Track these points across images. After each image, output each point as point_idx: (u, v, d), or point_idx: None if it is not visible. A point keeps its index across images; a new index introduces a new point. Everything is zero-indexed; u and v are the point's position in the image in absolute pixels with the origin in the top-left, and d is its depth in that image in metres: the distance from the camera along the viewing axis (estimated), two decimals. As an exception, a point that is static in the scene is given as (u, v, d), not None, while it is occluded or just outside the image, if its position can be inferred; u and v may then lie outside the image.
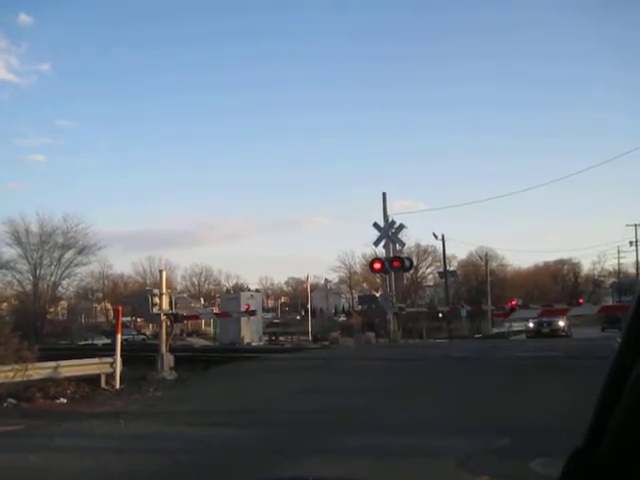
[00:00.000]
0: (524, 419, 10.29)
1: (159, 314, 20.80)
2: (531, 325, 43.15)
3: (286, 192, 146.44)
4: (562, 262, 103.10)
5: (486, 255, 76.15)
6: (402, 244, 33.69)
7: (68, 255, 61.83)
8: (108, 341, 43.18)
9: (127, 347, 23.58)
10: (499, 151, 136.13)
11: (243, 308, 39.63)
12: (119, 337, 18.95)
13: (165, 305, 20.84)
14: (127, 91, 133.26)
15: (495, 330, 57.88)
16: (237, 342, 41.83)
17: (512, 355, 22.10)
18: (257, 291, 77.76)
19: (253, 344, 42.57)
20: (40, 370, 16.71)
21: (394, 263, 30.25)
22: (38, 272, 60.59)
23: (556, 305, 46.51)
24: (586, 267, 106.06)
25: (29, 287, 61.18)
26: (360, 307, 73.55)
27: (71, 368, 17.78)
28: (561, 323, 41.46)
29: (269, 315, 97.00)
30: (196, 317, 47.21)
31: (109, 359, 18.36)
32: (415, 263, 64.23)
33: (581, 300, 70.56)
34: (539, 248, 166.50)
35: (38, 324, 55.23)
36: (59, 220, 61.70)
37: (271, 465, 8.17)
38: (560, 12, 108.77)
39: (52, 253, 61.13)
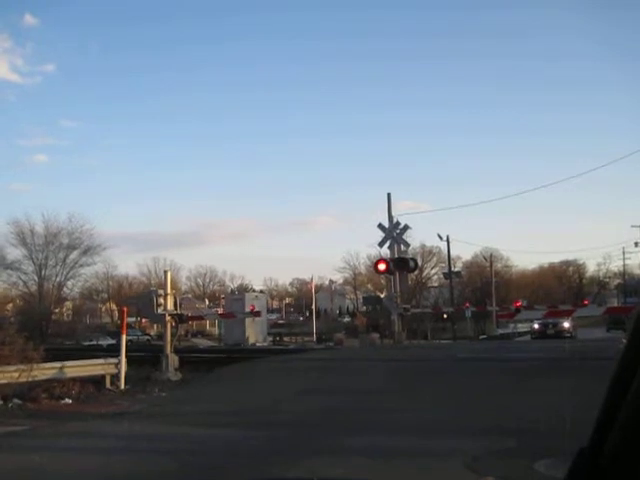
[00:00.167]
0: (529, 420, 10.26)
1: (164, 315, 20.82)
2: (536, 326, 43.07)
3: (291, 193, 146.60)
4: (567, 263, 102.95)
5: (491, 256, 76.12)
6: (407, 245, 33.61)
7: (73, 256, 61.93)
8: (113, 342, 43.24)
9: (132, 348, 23.64)
10: (504, 151, 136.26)
11: (248, 309, 39.62)
12: (124, 338, 18.96)
13: (170, 306, 20.85)
14: (132, 91, 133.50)
15: (500, 331, 57.80)
16: (242, 343, 41.91)
17: (517, 356, 22.05)
18: (262, 292, 78.03)
19: (258, 345, 42.64)
20: (45, 370, 16.73)
21: (399, 264, 30.22)
22: (43, 273, 60.69)
23: (561, 306, 46.44)
24: (591, 268, 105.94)
25: (34, 288, 61.26)
26: (365, 308, 73.64)
27: (76, 369, 17.81)
28: (566, 324, 41.37)
29: (274, 316, 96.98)
30: (201, 318, 47.30)
31: (114, 360, 18.38)
32: (420, 264, 64.27)
33: (586, 301, 70.40)
34: (544, 249, 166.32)
35: (43, 325, 55.27)
36: (64, 221, 61.80)
37: (275, 466, 8.17)
38: (561, 12, 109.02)
39: (57, 254, 61.24)
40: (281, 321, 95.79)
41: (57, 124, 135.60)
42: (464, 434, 9.61)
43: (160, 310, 20.78)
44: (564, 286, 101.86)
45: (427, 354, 25.34)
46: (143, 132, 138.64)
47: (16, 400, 15.33)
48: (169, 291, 21.19)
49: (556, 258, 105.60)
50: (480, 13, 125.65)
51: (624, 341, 1.38)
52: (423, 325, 54.97)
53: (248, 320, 41.60)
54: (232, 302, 50.94)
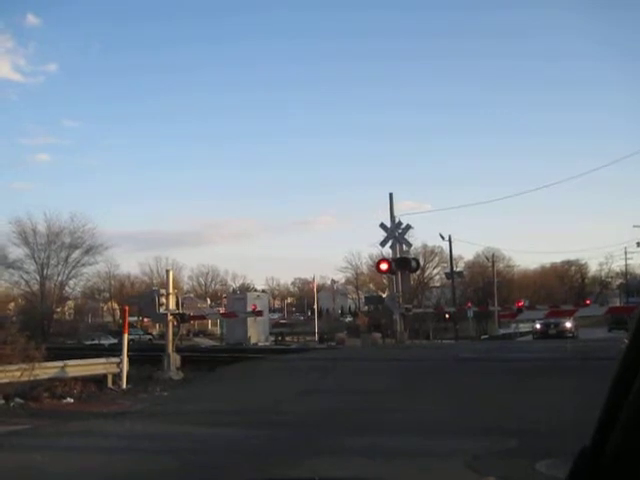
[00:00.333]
0: (530, 420, 10.26)
1: (166, 314, 20.84)
2: (538, 326, 43.04)
3: (291, 193, 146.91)
4: (569, 263, 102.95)
5: (493, 256, 76.06)
6: (409, 245, 33.61)
7: (75, 255, 62.09)
8: (115, 341, 43.28)
9: (134, 347, 23.63)
10: (504, 151, 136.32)
11: (250, 308, 39.67)
12: (126, 337, 18.96)
13: (172, 305, 20.88)
14: (132, 91, 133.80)
15: (502, 331, 57.78)
16: (243, 342, 41.90)
17: (519, 356, 22.06)
18: (263, 291, 78.03)
19: (259, 344, 42.63)
20: (47, 370, 16.74)
21: (401, 264, 30.21)
22: (45, 272, 60.80)
23: (563, 306, 46.46)
24: (593, 268, 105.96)
25: (36, 287, 61.37)
26: (367, 308, 73.65)
27: (78, 368, 17.82)
28: (568, 324, 41.36)
29: (275, 315, 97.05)
30: (203, 317, 47.35)
31: (116, 359, 18.39)
32: (422, 264, 64.27)
33: (588, 301, 70.39)
34: (546, 249, 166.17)
35: (45, 324, 55.38)
36: (66, 220, 61.99)
37: (276, 465, 8.17)
38: (561, 12, 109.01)
39: (59, 253, 61.37)
40: (283, 321, 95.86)
41: (59, 123, 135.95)
42: (465, 434, 9.60)
43: (162, 309, 20.81)
44: (566, 286, 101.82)
45: (429, 354, 25.33)
46: (143, 132, 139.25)
47: (18, 399, 15.33)
48: (171, 290, 21.22)
49: (558, 258, 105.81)
50: (480, 13, 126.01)
51: (626, 341, 1.38)
52: (425, 325, 54.92)
53: (250, 320, 41.61)
54: (234, 301, 50.96)
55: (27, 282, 61.99)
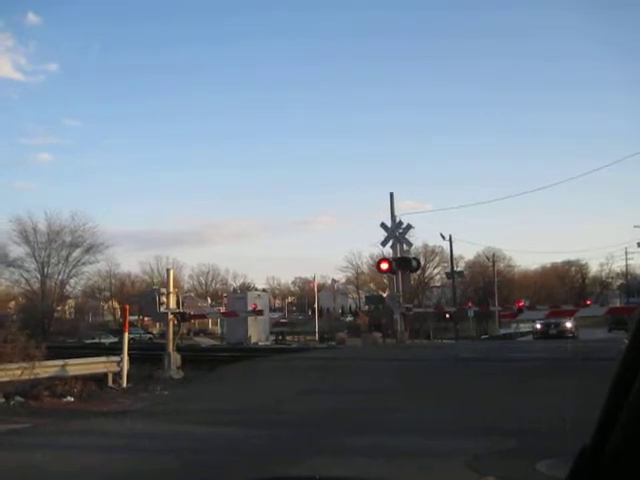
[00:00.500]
0: (531, 420, 10.25)
1: (166, 313, 20.86)
2: (538, 326, 43.02)
3: (291, 192, 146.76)
4: (570, 263, 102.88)
5: (493, 256, 76.04)
6: (409, 244, 33.63)
7: (76, 254, 62.08)
8: (115, 340, 43.30)
9: (134, 346, 23.65)
10: (504, 151, 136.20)
11: (250, 308, 39.63)
12: (126, 336, 18.99)
13: (172, 304, 20.90)
14: (132, 91, 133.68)
15: (502, 331, 57.77)
16: (244, 341, 41.91)
17: (519, 356, 22.05)
18: (264, 291, 77.92)
19: (260, 344, 42.64)
20: (47, 368, 16.76)
21: (401, 263, 30.22)
22: (46, 270, 60.80)
23: (563, 306, 46.45)
24: (594, 268, 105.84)
25: (37, 285, 61.39)
26: (367, 307, 73.70)
27: (78, 366, 17.83)
28: (568, 324, 41.34)
29: (276, 315, 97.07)
30: (203, 316, 47.31)
31: (116, 358, 18.41)
32: (422, 263, 64.20)
33: (588, 301, 70.33)
34: (547, 249, 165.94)
35: (45, 322, 55.39)
36: (67, 219, 61.99)
37: (277, 465, 8.17)
38: (561, 12, 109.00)
39: (60, 252, 61.37)
40: (283, 320, 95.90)
41: (59, 123, 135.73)
42: (466, 434, 9.60)
43: (162, 308, 20.83)
44: (566, 286, 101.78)
45: (429, 354, 25.34)
46: (143, 132, 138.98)
47: (18, 398, 15.35)
48: (171, 289, 21.25)
49: (558, 258, 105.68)
50: (480, 13, 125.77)
51: (626, 341, 1.38)
52: (425, 325, 54.93)
53: (250, 319, 41.61)
54: (234, 301, 50.96)
55: (28, 281, 62.05)
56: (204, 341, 57.06)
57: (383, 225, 32.04)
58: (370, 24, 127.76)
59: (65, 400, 15.85)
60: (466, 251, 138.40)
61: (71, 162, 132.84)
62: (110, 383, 17.98)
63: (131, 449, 9.87)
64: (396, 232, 31.32)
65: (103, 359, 18.86)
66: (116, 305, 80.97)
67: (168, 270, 23.54)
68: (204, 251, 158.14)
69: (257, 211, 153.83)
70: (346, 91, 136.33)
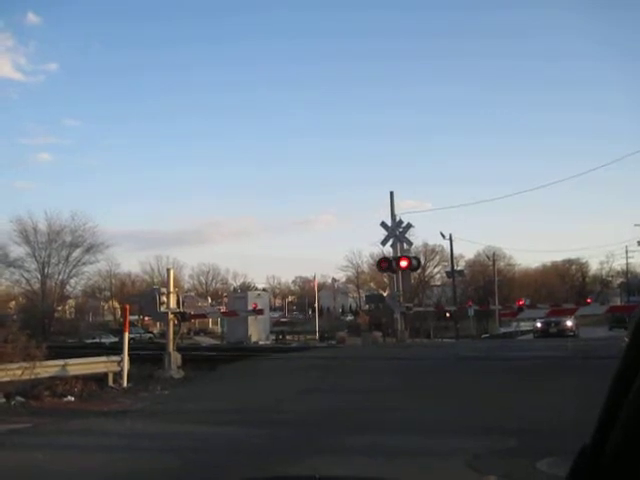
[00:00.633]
0: (531, 419, 10.26)
1: (166, 313, 20.85)
2: (539, 325, 43.05)
3: (292, 192, 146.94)
4: (570, 262, 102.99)
5: (494, 255, 76.13)
6: (410, 243, 33.64)
7: (76, 254, 62.08)
8: (115, 339, 43.29)
9: (134, 346, 23.63)
10: (504, 151, 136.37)
11: (250, 307, 39.65)
12: (126, 336, 18.97)
13: (172, 304, 20.88)
14: (132, 91, 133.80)
15: (503, 330, 57.83)
16: (244, 341, 41.90)
17: (520, 355, 22.06)
18: (264, 290, 77.91)
19: (260, 343, 42.65)
20: (48, 368, 16.76)
21: (401, 262, 30.21)
22: (46, 270, 60.80)
23: (564, 305, 46.45)
24: (594, 267, 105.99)
25: (37, 285, 61.38)
26: (367, 306, 73.69)
27: (79, 366, 17.82)
28: (569, 323, 41.33)
29: (276, 314, 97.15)
30: (203, 316, 47.29)
31: (117, 357, 18.39)
32: (422, 262, 64.18)
33: (589, 300, 70.38)
34: (547, 248, 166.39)
35: (46, 322, 55.41)
36: (67, 219, 61.99)
37: (277, 464, 8.17)
38: (561, 12, 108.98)
39: (60, 251, 61.36)
40: (284, 319, 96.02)
41: (59, 123, 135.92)
42: (466, 433, 9.60)
43: (163, 308, 20.81)
44: (567, 285, 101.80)
45: (429, 353, 25.33)
46: (143, 131, 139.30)
47: (19, 398, 15.34)
48: (172, 289, 21.23)
49: (559, 257, 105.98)
50: (480, 13, 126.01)
51: (626, 340, 1.38)
52: (426, 324, 54.93)
53: (251, 318, 41.62)
54: (235, 300, 50.97)
55: (28, 281, 62.04)
56: (204, 340, 57.07)
57: (383, 224, 32.05)
58: (370, 24, 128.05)
59: (66, 400, 15.84)
60: (466, 250, 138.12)
61: (71, 162, 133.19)
62: (110, 383, 17.97)
63: (131, 449, 9.87)
64: (396, 231, 31.32)
65: (103, 359, 18.84)
66: (116, 305, 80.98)
67: (168, 270, 23.54)
68: (204, 251, 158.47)
69: (257, 210, 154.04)
70: (346, 91, 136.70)
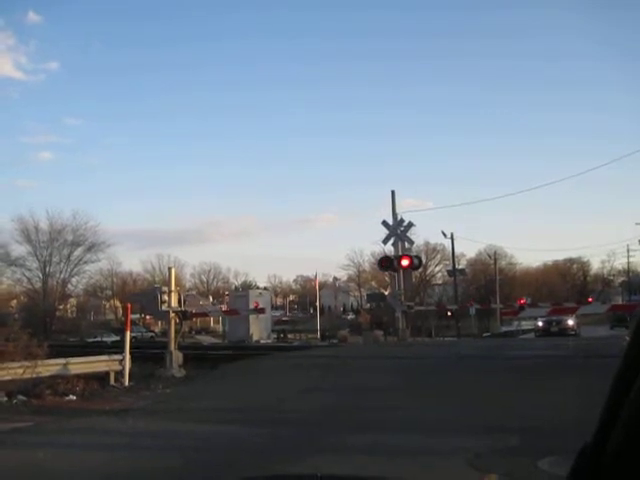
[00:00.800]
0: (532, 418, 10.26)
1: (168, 311, 20.87)
2: (540, 324, 42.99)
3: (292, 191, 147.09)
4: (571, 261, 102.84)
5: (495, 254, 76.07)
6: (411, 242, 33.59)
7: (77, 252, 62.21)
8: (117, 338, 43.25)
9: (136, 344, 23.66)
10: (504, 151, 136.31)
11: (252, 306, 39.60)
12: (128, 334, 18.99)
13: (174, 302, 20.90)
14: (132, 90, 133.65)
15: (504, 329, 57.80)
16: (246, 340, 41.89)
17: (521, 354, 22.03)
18: (266, 289, 78.06)
19: (262, 342, 42.62)
20: (49, 367, 16.78)
21: (403, 261, 30.20)
22: (47, 269, 60.90)
23: (565, 304, 46.41)
24: (595, 266, 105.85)
25: (38, 284, 61.46)
26: (369, 305, 73.64)
27: (80, 365, 17.84)
28: (570, 322, 41.29)
29: (278, 313, 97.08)
30: (205, 315, 47.31)
31: (118, 356, 18.40)
32: (424, 261, 64.32)
33: (590, 299, 70.31)
34: (548, 247, 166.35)
35: (47, 321, 55.50)
36: (68, 217, 62.07)
37: (279, 463, 8.18)
38: (561, 12, 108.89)
39: (61, 250, 61.48)
40: (285, 318, 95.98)
41: (60, 122, 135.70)
42: (467, 432, 9.60)
43: (164, 307, 20.83)
44: (568, 284, 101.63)
45: (431, 352, 25.32)
46: (144, 130, 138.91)
47: (20, 396, 15.36)
48: (173, 288, 21.25)
49: (560, 256, 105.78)
50: (480, 13, 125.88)
51: (627, 339, 1.38)
52: (427, 322, 55.00)
53: (252, 317, 41.59)
54: (236, 299, 50.95)
55: (29, 280, 62.16)
56: (206, 339, 57.13)
57: (384, 223, 32.01)
58: (370, 24, 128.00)
59: (67, 399, 15.86)
60: (468, 249, 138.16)
61: (72, 161, 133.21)
62: (112, 382, 17.98)
63: (133, 447, 9.88)
64: (397, 230, 31.29)
65: (105, 358, 18.86)
66: (118, 304, 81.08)
67: (170, 268, 23.57)
68: (205, 249, 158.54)
69: (258, 210, 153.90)
70: (346, 91, 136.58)
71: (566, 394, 12.08)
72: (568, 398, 11.58)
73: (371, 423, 10.97)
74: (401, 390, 14.50)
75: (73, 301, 73.77)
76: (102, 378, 18.09)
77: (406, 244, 31.88)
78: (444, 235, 61.19)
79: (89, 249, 62.31)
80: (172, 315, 20.95)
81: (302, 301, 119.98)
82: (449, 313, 57.50)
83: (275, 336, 52.11)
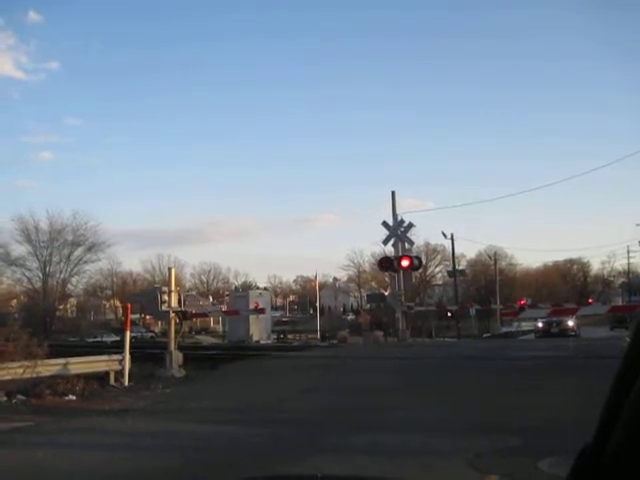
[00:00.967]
0: (532, 419, 10.26)
1: (168, 312, 20.85)
2: (540, 325, 42.99)
3: (293, 191, 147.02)
4: (571, 262, 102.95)
5: (495, 254, 76.09)
6: (411, 243, 33.62)
7: (77, 252, 62.21)
8: (117, 338, 43.25)
9: (136, 344, 23.65)
10: (505, 151, 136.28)
11: (252, 306, 39.59)
12: (128, 334, 18.98)
13: (174, 303, 20.89)
14: (133, 89, 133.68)
15: (504, 329, 57.81)
16: (246, 340, 41.87)
17: (521, 355, 22.05)
18: (266, 289, 78.01)
19: (262, 342, 42.61)
20: (49, 367, 16.77)
21: (403, 262, 30.21)
22: (47, 269, 60.90)
23: (565, 305, 46.43)
24: (596, 267, 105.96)
25: (38, 284, 61.46)
26: (369, 306, 73.59)
27: (80, 365, 17.83)
28: (570, 323, 41.29)
29: (278, 313, 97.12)
30: (205, 315, 47.29)
31: (118, 356, 18.39)
32: (424, 262, 64.30)
33: (590, 300, 70.31)
34: (548, 247, 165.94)
35: (47, 321, 55.51)
36: (68, 217, 62.06)
37: (279, 463, 8.18)
38: (561, 12, 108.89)
39: (61, 250, 61.47)
40: (285, 318, 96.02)
41: (61, 121, 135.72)
42: (467, 432, 9.60)
43: (164, 307, 20.82)
44: (568, 284, 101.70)
45: (431, 352, 25.33)
46: (144, 130, 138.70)
47: (20, 396, 15.35)
48: (173, 288, 21.24)
49: (560, 256, 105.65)
50: (480, 13, 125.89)
51: (627, 340, 1.38)
52: (427, 323, 54.97)
53: (252, 317, 41.58)
54: (236, 299, 50.94)
55: (29, 279, 62.16)
56: (206, 339, 57.10)
57: (385, 223, 32.04)
58: (370, 24, 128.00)
59: (67, 398, 15.85)
60: (468, 249, 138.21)
61: (72, 160, 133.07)
62: (112, 381, 17.97)
63: (133, 447, 9.88)
64: (398, 230, 31.31)
65: (105, 357, 18.85)
66: (118, 304, 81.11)
67: (170, 269, 23.58)
68: (205, 250, 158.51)
69: (258, 210, 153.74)
70: (346, 90, 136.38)
71: (566, 394, 12.09)
72: (568, 398, 11.59)
73: (371, 423, 10.97)
74: (401, 390, 14.50)
75: (73, 301, 73.79)
76: (102, 378, 18.07)
77: (406, 245, 31.91)
78: (444, 236, 61.27)
79: (89, 249, 62.36)
80: (172, 315, 20.94)
81: (302, 301, 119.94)
82: (449, 314, 57.49)
83: (275, 336, 52.08)
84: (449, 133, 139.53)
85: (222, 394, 16.08)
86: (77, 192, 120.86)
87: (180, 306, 21.22)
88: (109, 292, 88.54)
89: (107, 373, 18.20)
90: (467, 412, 11.53)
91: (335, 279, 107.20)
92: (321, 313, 76.19)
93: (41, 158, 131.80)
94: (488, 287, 74.93)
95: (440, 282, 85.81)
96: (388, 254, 36.05)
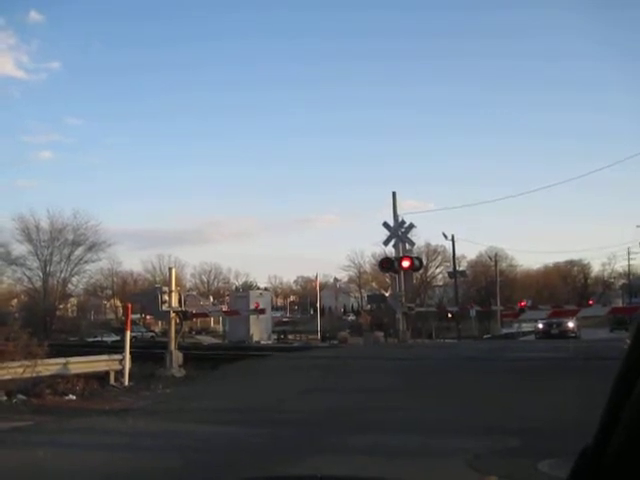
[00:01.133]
0: (533, 420, 10.26)
1: (168, 312, 20.87)
2: (540, 326, 43.03)
3: (293, 191, 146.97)
4: (572, 263, 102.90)
5: (496, 255, 76.08)
6: (412, 244, 33.58)
7: (78, 252, 62.23)
8: (117, 338, 43.28)
9: (136, 344, 23.66)
10: (505, 152, 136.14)
11: (252, 306, 39.63)
12: (128, 334, 18.99)
13: (174, 303, 20.90)
14: (133, 89, 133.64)
15: (504, 331, 57.78)
16: (246, 340, 41.92)
17: (521, 356, 22.04)
18: (266, 289, 78.02)
19: (262, 342, 42.66)
20: (49, 366, 16.78)
21: (403, 262, 30.19)
22: (48, 269, 60.91)
23: (566, 306, 46.46)
24: (596, 268, 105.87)
25: (39, 284, 61.48)
26: (369, 306, 73.60)
27: (80, 365, 17.84)
28: (570, 324, 41.32)
29: (278, 314, 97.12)
30: (205, 315, 47.28)
31: (118, 356, 18.41)
32: (425, 263, 64.32)
33: (591, 301, 70.30)
34: (549, 249, 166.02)
35: (47, 321, 55.50)
36: (69, 217, 62.08)
37: (279, 464, 8.17)
38: (561, 12, 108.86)
39: (62, 250, 61.49)
40: (285, 319, 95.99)
41: (61, 121, 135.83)
42: (467, 433, 9.60)
43: (164, 307, 20.83)
44: (569, 286, 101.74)
45: (431, 353, 25.32)
46: (144, 130, 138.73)
47: (20, 396, 15.36)
48: (173, 288, 21.25)
49: (561, 258, 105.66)
50: (480, 13, 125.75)
51: (628, 341, 1.38)
52: (427, 324, 54.92)
53: (252, 318, 41.63)
54: (236, 299, 50.98)
55: (30, 279, 62.18)
56: (206, 340, 57.09)
57: (385, 224, 32.01)
58: (370, 24, 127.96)
59: (67, 398, 15.86)
60: (468, 251, 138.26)
61: (73, 160, 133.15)
62: (112, 381, 17.98)
63: (133, 447, 9.88)
64: (398, 231, 31.29)
65: (105, 357, 18.87)
66: (118, 303, 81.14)
67: (170, 269, 23.59)
68: (206, 250, 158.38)
69: (258, 210, 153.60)
70: (346, 90, 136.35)
71: (566, 396, 12.08)
72: (568, 399, 11.59)
73: (371, 424, 10.97)
74: (401, 391, 14.50)
75: (73, 300, 73.78)
76: (102, 378, 18.09)
77: (407, 245, 31.87)
78: (445, 237, 61.28)
79: (90, 249, 62.38)
80: (172, 315, 20.96)
81: (303, 302, 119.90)
82: (450, 315, 57.50)
83: (275, 337, 52.12)
84: (449, 133, 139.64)
85: (222, 394, 16.08)
86: (77, 192, 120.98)
87: (180, 306, 21.23)
88: (109, 292, 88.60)
89: (107, 373, 18.21)
90: (467, 413, 11.52)
91: (336, 280, 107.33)
92: (321, 313, 76.23)
93: (42, 158, 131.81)
94: (488, 288, 74.91)
95: (441, 283, 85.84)
96: (389, 255, 36.06)
